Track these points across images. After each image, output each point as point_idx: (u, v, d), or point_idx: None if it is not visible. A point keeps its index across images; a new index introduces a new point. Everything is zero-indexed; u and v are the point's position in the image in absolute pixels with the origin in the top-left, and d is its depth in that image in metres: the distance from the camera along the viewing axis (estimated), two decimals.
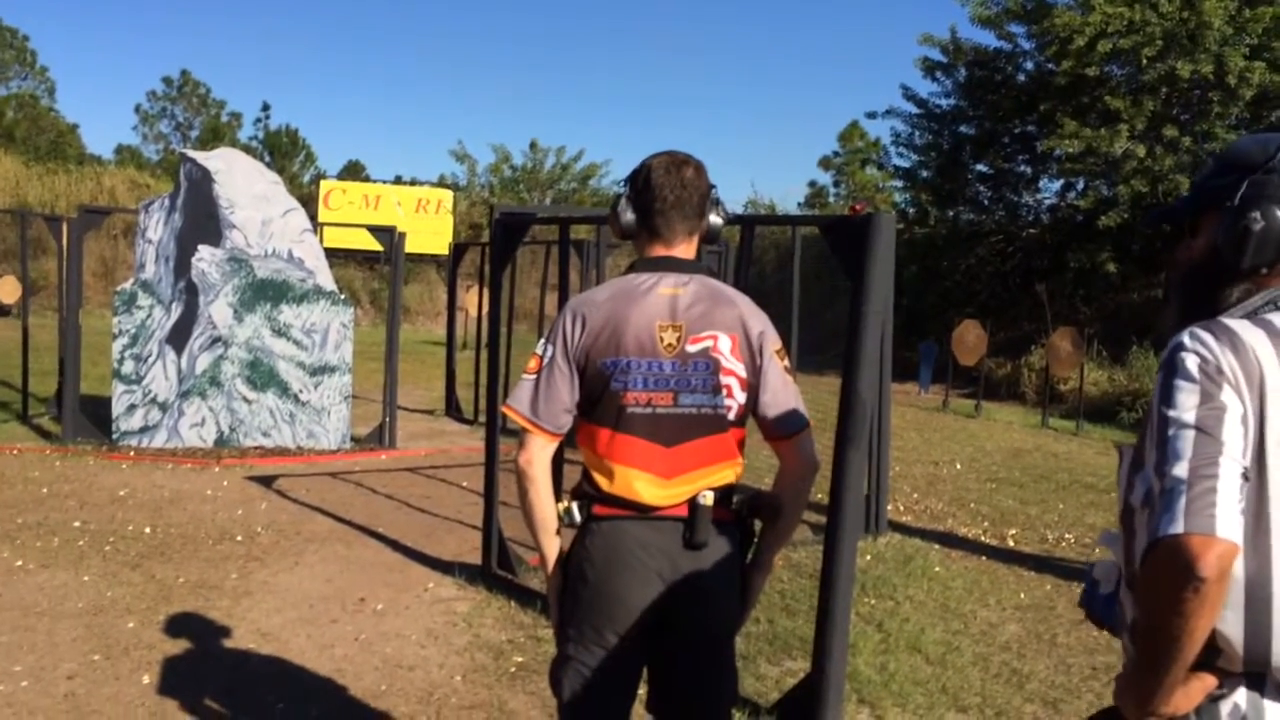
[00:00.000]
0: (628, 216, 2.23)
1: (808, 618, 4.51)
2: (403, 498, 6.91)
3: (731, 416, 2.15)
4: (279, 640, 4.24)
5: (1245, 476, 1.28)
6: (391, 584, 5.05)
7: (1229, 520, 1.23)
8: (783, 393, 2.17)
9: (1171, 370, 1.36)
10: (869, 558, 5.65)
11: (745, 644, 4.29)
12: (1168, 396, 1.34)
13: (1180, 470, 1.27)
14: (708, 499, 2.13)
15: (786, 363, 2.21)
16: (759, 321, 2.18)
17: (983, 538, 6.51)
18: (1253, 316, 1.42)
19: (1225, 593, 1.25)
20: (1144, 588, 1.29)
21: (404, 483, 7.41)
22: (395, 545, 5.72)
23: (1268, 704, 1.34)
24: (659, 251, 2.21)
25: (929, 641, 4.46)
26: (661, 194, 2.18)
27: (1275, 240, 1.44)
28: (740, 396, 2.15)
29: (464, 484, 7.36)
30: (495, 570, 5.10)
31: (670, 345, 2.11)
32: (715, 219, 2.28)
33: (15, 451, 7.74)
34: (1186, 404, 1.32)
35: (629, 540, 2.14)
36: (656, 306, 2.13)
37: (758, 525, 2.26)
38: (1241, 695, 1.34)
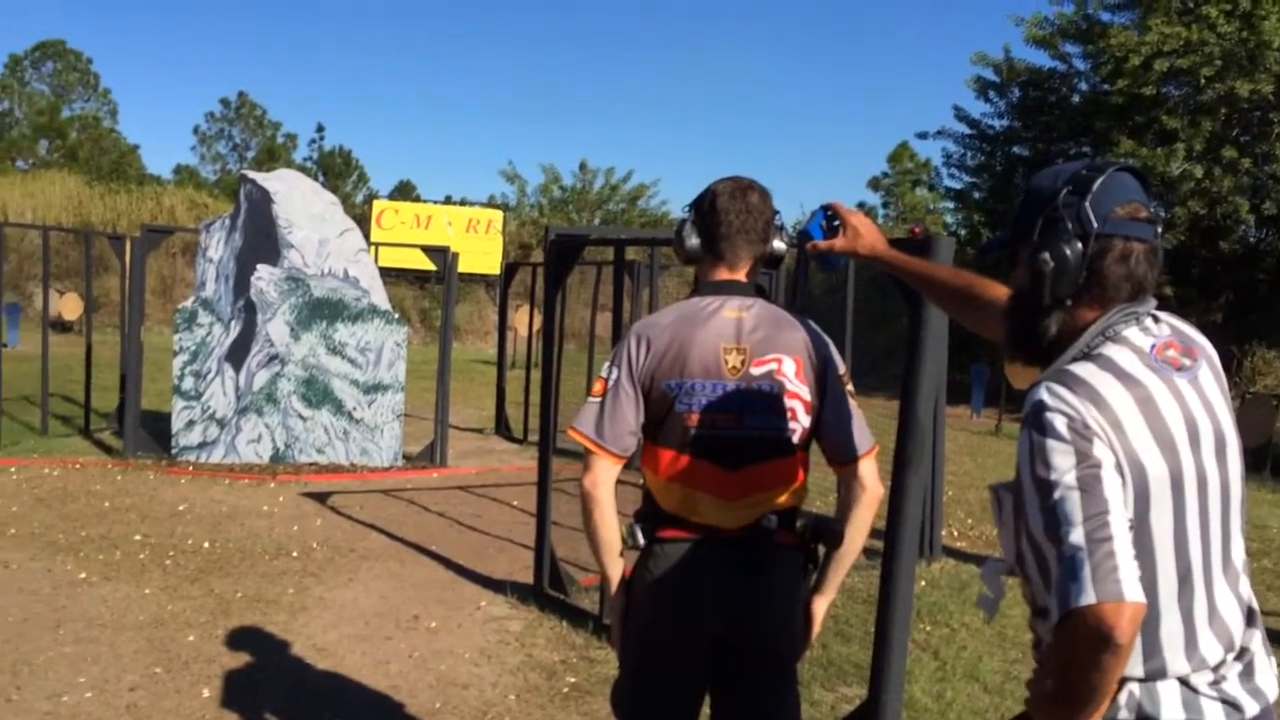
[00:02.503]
0: (692, 241, 2.25)
1: (863, 643, 4.46)
2: (454, 516, 6.95)
3: (796, 440, 2.15)
4: (335, 656, 4.28)
5: (1131, 526, 1.38)
6: (444, 602, 5.08)
7: (1132, 580, 1.32)
8: (847, 417, 2.17)
9: (1041, 430, 1.42)
10: (924, 583, 5.58)
11: (800, 669, 4.25)
12: (1044, 459, 1.40)
13: (1076, 537, 1.34)
14: (771, 522, 2.14)
15: (851, 387, 2.21)
16: (824, 347, 2.19)
17: None
18: (1093, 357, 1.48)
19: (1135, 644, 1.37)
20: (1061, 652, 1.37)
21: (455, 501, 7.46)
22: (447, 563, 5.76)
23: (1160, 685, 1.44)
24: (723, 275, 2.23)
25: (987, 670, 4.38)
26: (727, 219, 2.20)
27: (1069, 276, 1.50)
28: (805, 420, 2.15)
29: (514, 503, 7.40)
30: (547, 590, 5.11)
31: (735, 368, 2.12)
32: (779, 244, 2.29)
33: (78, 466, 7.92)
34: (1064, 465, 1.38)
35: (692, 562, 2.14)
36: (721, 329, 2.14)
37: (821, 550, 2.25)
38: (1135, 685, 1.45)
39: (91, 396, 9.68)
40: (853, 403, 2.20)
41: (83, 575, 5.17)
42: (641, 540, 2.20)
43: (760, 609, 2.14)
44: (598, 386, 2.20)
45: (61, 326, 17.93)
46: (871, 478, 2.19)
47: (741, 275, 2.22)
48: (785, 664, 2.24)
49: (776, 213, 2.28)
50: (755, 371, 2.12)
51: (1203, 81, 14.50)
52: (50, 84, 42.97)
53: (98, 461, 8.14)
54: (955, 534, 7.06)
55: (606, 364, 2.23)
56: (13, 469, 7.63)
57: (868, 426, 2.22)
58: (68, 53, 43.40)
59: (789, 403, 2.13)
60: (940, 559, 6.22)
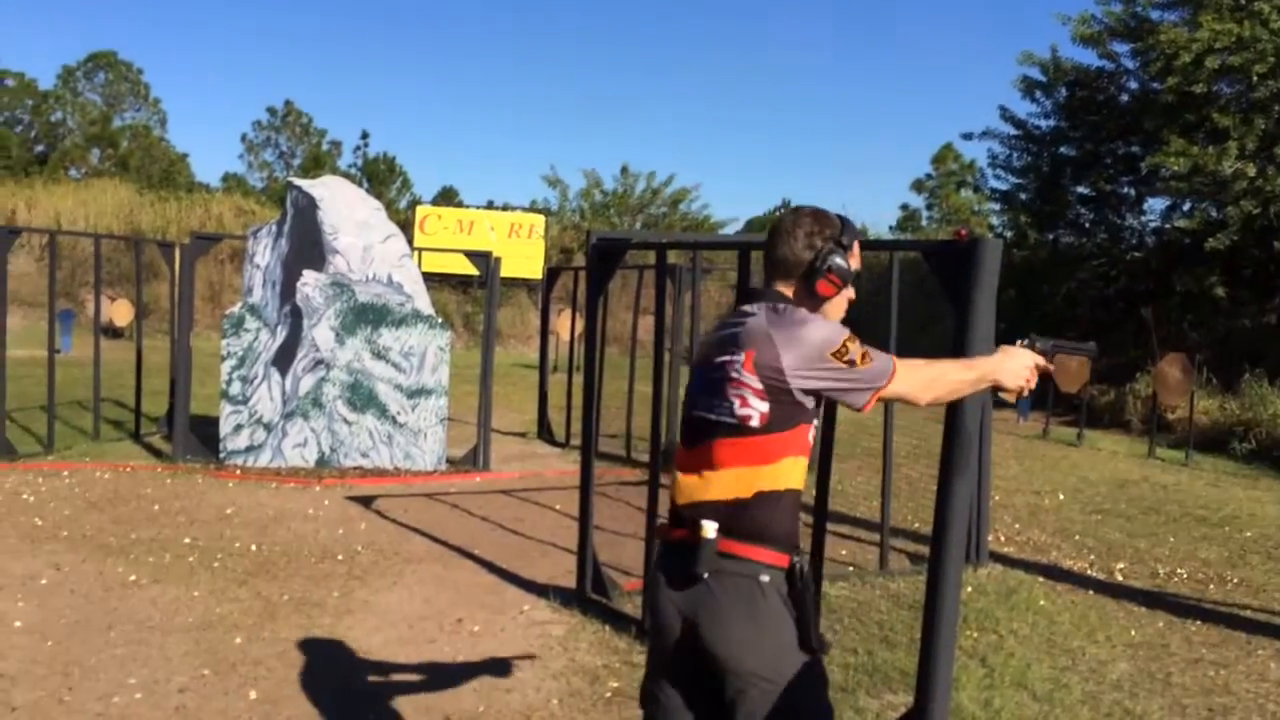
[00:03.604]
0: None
1: (908, 650, 4.41)
2: (497, 520, 6.98)
3: (752, 423, 2.19)
4: (379, 659, 4.31)
5: None
6: (487, 605, 5.09)
7: None
8: (842, 387, 2.20)
9: None
10: (970, 589, 5.50)
11: (844, 675, 4.21)
12: None
13: None
14: (708, 530, 2.19)
15: (851, 358, 2.18)
16: (790, 341, 2.18)
17: (1089, 571, 6.28)
18: None
19: None
20: None
21: (498, 505, 7.49)
22: (490, 567, 5.78)
23: None
24: (759, 284, 2.40)
25: (1035, 678, 4.31)
26: (769, 237, 2.38)
27: None
28: (758, 404, 2.18)
29: (556, 507, 7.41)
30: (589, 594, 5.11)
31: (705, 357, 2.31)
32: (820, 262, 2.30)
33: (129, 469, 8.06)
34: None
35: (659, 566, 2.37)
36: (726, 324, 2.33)
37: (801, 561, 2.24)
38: None
39: (142, 401, 9.85)
40: (850, 371, 2.18)
41: (133, 577, 5.25)
42: None
43: (702, 624, 2.21)
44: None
45: (113, 332, 18.28)
46: (899, 394, 2.25)
47: (773, 285, 2.35)
48: (756, 686, 2.18)
49: (823, 232, 2.32)
50: (715, 360, 2.26)
51: (1255, 79, 14.19)
52: (102, 94, 43.87)
53: (148, 465, 8.28)
54: (1002, 539, 6.96)
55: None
56: (65, 473, 7.78)
57: (878, 376, 2.21)
58: (119, 64, 44.28)
59: (733, 390, 2.20)
60: (987, 565, 6.13)
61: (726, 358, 2.22)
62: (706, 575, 2.18)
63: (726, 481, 2.21)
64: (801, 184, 72.40)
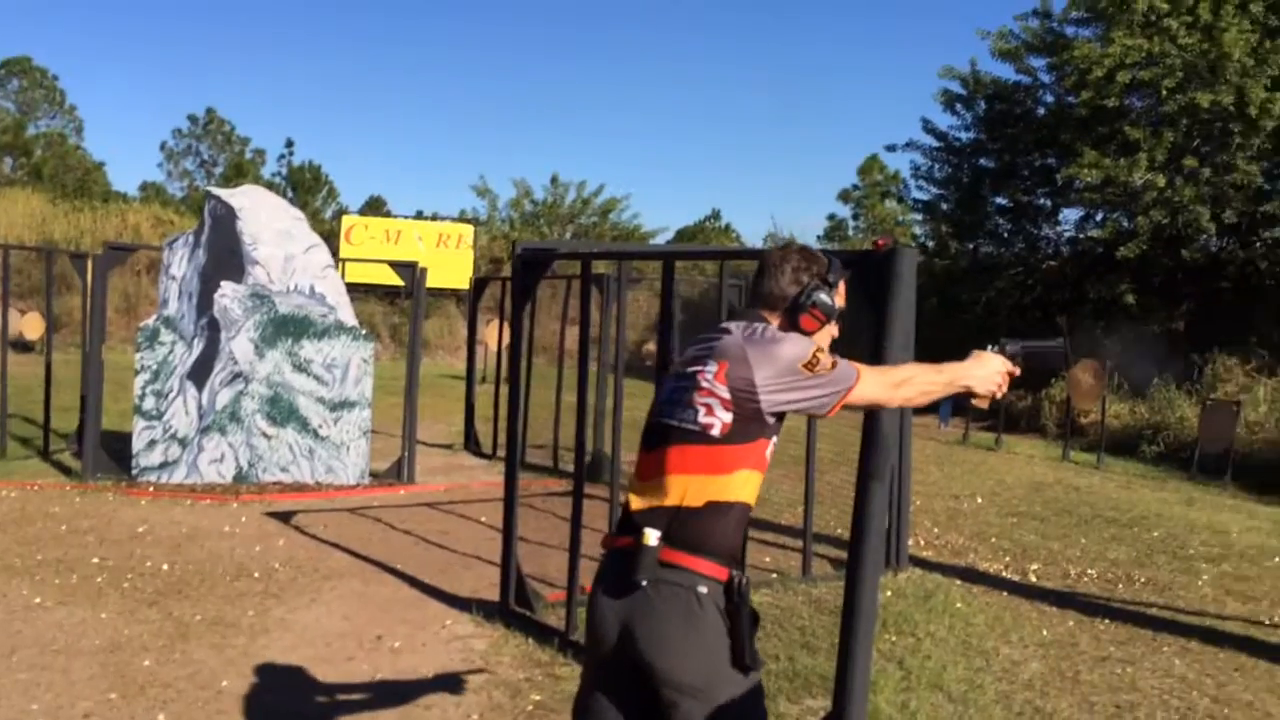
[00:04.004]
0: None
1: (828, 655, 4.46)
2: (421, 533, 6.90)
3: (713, 431, 2.21)
4: (296, 678, 4.23)
5: None
6: (409, 621, 5.03)
7: None
8: (811, 395, 2.23)
9: None
10: (890, 593, 5.59)
11: (766, 682, 4.22)
12: None
13: None
14: (650, 538, 2.19)
15: (821, 369, 2.23)
16: (764, 357, 2.23)
17: (1004, 573, 6.44)
18: None
19: None
20: None
21: (422, 518, 7.40)
22: (413, 582, 5.71)
23: None
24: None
25: (951, 679, 4.39)
26: (757, 271, 2.46)
27: None
28: (723, 414, 2.21)
29: (482, 519, 7.35)
30: (513, 606, 5.07)
31: (677, 369, 2.37)
32: (805, 297, 2.36)
33: (36, 488, 7.79)
34: None
35: (600, 575, 2.34)
36: (696, 340, 2.39)
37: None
38: None
39: (51, 417, 9.53)
40: (817, 378, 2.22)
41: (38, 600, 5.07)
42: None
43: (638, 633, 2.21)
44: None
45: (23, 346, 17.66)
46: (867, 398, 2.27)
47: (758, 308, 2.41)
48: (688, 698, 2.18)
49: (805, 269, 2.39)
50: (686, 370, 2.30)
51: (1164, 93, 14.73)
52: (15, 101, 42.44)
53: (56, 484, 8.01)
54: (922, 543, 7.09)
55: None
56: None
57: (843, 380, 2.24)
58: (33, 69, 42.87)
59: (700, 399, 2.23)
60: (907, 569, 6.24)
61: (698, 368, 2.26)
62: (645, 583, 2.18)
63: (678, 488, 2.22)
64: (731, 194, 73.11)
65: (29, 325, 17.81)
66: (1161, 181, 14.85)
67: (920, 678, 4.39)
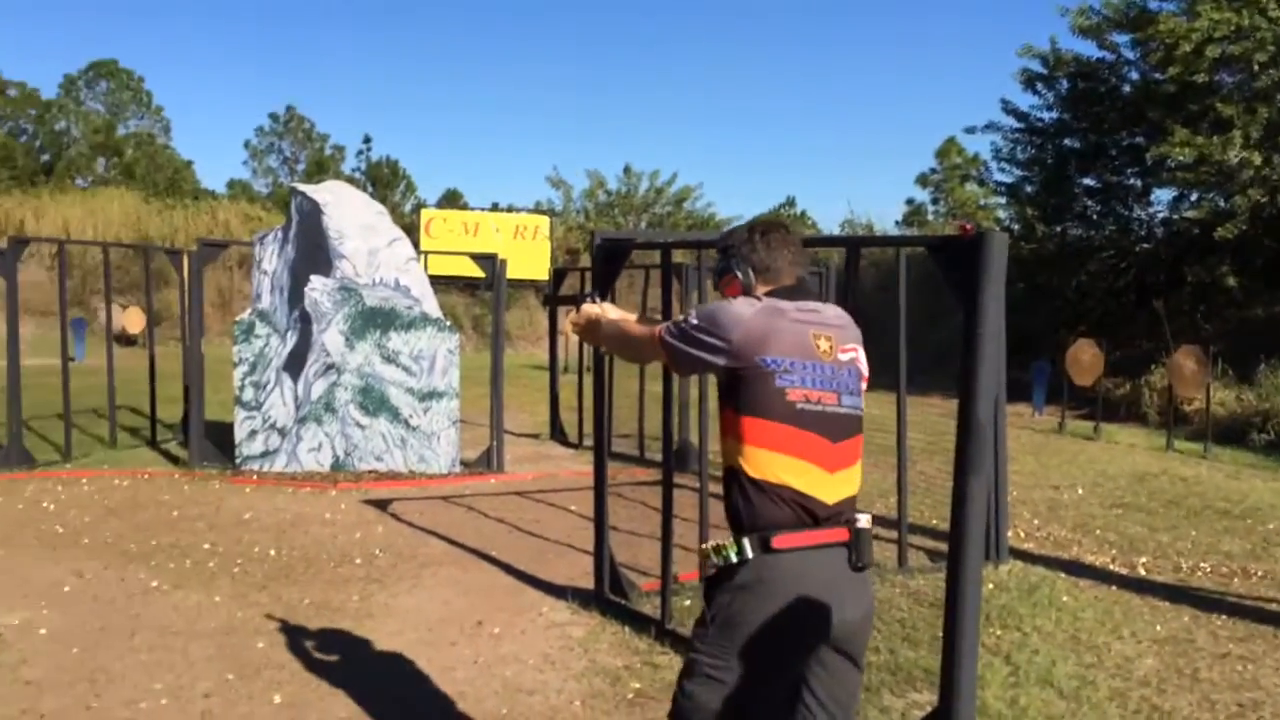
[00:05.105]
0: (749, 277, 2.49)
1: (930, 648, 4.38)
2: (513, 521, 6.97)
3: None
4: (401, 662, 4.30)
5: None
6: (506, 608, 5.08)
7: None
8: None
9: None
10: (991, 586, 5.47)
11: (867, 674, 4.18)
12: None
13: None
14: (866, 521, 2.29)
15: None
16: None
17: (1111, 566, 6.25)
18: None
19: None
20: None
21: (513, 507, 7.48)
22: (508, 569, 5.77)
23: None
24: (786, 282, 2.44)
25: (1061, 675, 4.28)
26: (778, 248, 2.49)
27: None
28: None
29: (572, 508, 7.40)
30: (608, 595, 5.09)
31: (826, 351, 2.32)
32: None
33: (146, 476, 8.07)
34: None
35: (805, 575, 2.24)
36: (805, 318, 2.35)
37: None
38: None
39: (157, 408, 9.87)
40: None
41: (155, 583, 5.26)
42: (750, 554, 2.24)
43: (865, 613, 2.34)
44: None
45: (125, 340, 18.32)
46: None
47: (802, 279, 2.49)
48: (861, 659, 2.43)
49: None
50: (842, 357, 2.35)
51: (1257, 67, 14.13)
52: (104, 103, 43.96)
53: (165, 472, 8.29)
54: (1022, 535, 6.93)
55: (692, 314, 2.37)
56: (84, 480, 7.80)
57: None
58: (120, 72, 44.34)
59: (863, 387, 2.41)
60: (1008, 561, 6.10)
61: (853, 351, 2.37)
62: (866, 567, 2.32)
63: (859, 474, 2.35)
64: (805, 180, 72.26)
65: (130, 320, 18.47)
66: (1258, 159, 14.24)
67: (1028, 673, 4.29)
